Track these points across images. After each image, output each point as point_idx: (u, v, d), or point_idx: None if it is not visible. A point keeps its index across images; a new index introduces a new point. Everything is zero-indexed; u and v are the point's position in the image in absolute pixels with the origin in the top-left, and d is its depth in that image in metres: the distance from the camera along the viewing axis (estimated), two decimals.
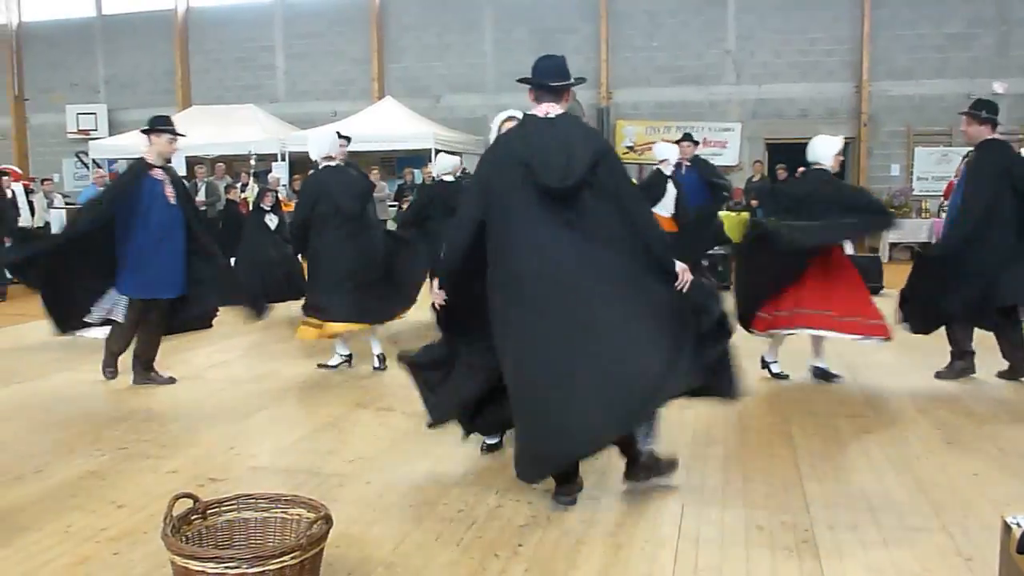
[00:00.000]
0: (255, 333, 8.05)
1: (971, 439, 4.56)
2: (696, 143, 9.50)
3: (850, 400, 5.38)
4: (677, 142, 9.29)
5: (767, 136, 16.61)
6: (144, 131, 5.77)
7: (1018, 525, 2.51)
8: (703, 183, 9.33)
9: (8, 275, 6.69)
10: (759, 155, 16.30)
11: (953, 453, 4.31)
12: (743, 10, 16.47)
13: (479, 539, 3.30)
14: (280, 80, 19.03)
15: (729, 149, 16.44)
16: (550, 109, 3.55)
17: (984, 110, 5.61)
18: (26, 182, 14.65)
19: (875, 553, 3.16)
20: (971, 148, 5.78)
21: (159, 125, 5.75)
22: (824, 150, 5.73)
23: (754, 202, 14.59)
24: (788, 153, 15.49)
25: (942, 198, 14.24)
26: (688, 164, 9.23)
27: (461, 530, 3.39)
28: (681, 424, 4.82)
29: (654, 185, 8.78)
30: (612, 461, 4.17)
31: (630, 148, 16.77)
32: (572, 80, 3.62)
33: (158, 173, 5.74)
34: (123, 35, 19.84)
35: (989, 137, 5.60)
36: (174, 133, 5.81)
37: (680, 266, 3.53)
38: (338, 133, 7.53)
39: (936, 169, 15.62)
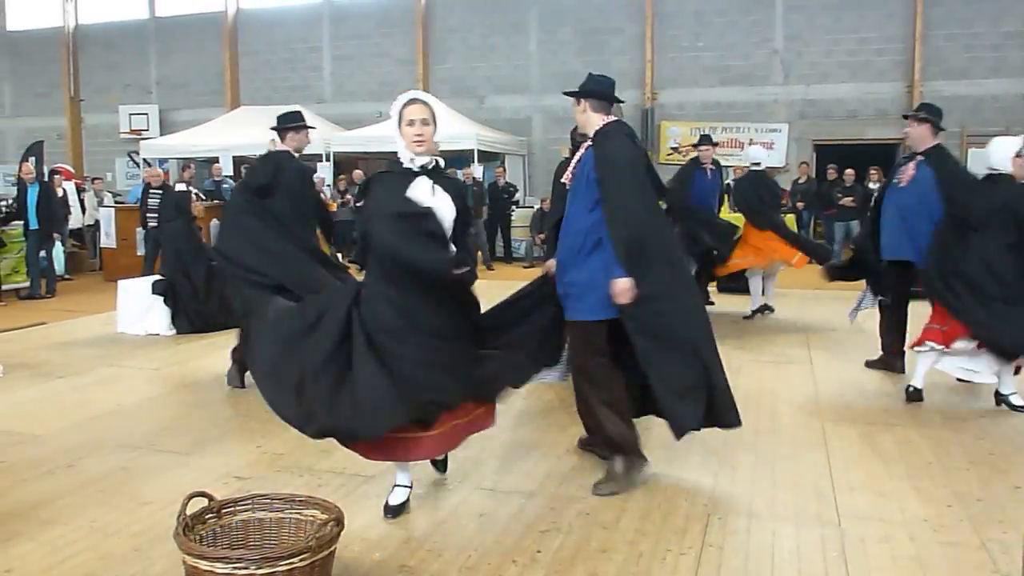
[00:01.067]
0: None
1: (1015, 450, 4.38)
2: (715, 144, 8.86)
3: (890, 408, 5.20)
4: (696, 145, 8.75)
5: (815, 137, 16.29)
6: (275, 128, 5.68)
7: None
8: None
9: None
10: (807, 156, 15.98)
11: (996, 465, 4.14)
12: (791, 9, 16.16)
13: (498, 544, 3.25)
14: (327, 81, 19.20)
15: (776, 150, 16.15)
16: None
17: (924, 111, 5.66)
18: (78, 181, 14.98)
19: (907, 569, 3.04)
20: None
21: (293, 122, 5.63)
22: (1001, 153, 5.15)
23: (800, 204, 14.32)
24: (837, 154, 15.20)
25: None
26: (712, 168, 8.57)
27: (480, 535, 3.34)
28: (712, 429, 4.72)
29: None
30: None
31: (675, 149, 16.58)
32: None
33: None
34: (175, 37, 20.21)
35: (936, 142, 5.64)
36: (307, 127, 5.77)
37: None
38: None
39: None
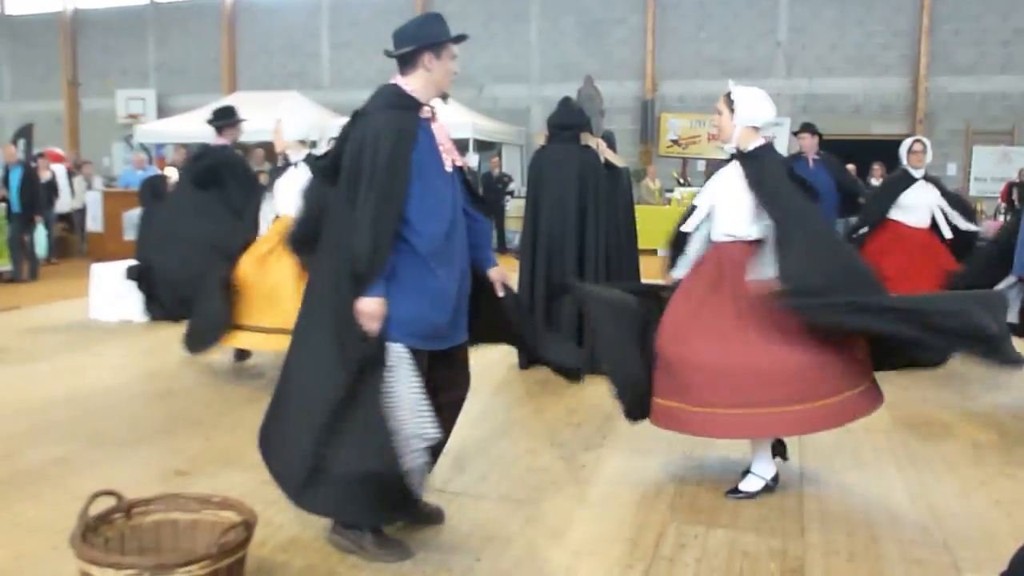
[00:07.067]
0: None
1: (1000, 462, 4.14)
2: (819, 135, 7.81)
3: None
4: (796, 133, 8.01)
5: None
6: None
7: None
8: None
9: None
10: None
11: (977, 477, 3.92)
12: (796, 1, 15.88)
13: (436, 550, 3.06)
14: (325, 68, 18.99)
15: (776, 145, 15.90)
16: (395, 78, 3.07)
17: None
18: (68, 164, 14.79)
19: None
20: None
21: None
22: None
23: None
24: (839, 150, 14.90)
25: (999, 200, 13.61)
26: (816, 159, 7.65)
27: (418, 540, 3.14)
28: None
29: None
30: (593, 472, 3.92)
31: (674, 142, 16.33)
32: (411, 48, 2.96)
33: None
34: (174, 22, 20.01)
35: None
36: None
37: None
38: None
39: (996, 169, 14.87)
